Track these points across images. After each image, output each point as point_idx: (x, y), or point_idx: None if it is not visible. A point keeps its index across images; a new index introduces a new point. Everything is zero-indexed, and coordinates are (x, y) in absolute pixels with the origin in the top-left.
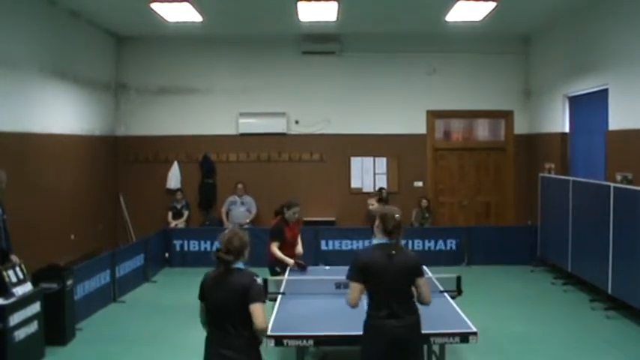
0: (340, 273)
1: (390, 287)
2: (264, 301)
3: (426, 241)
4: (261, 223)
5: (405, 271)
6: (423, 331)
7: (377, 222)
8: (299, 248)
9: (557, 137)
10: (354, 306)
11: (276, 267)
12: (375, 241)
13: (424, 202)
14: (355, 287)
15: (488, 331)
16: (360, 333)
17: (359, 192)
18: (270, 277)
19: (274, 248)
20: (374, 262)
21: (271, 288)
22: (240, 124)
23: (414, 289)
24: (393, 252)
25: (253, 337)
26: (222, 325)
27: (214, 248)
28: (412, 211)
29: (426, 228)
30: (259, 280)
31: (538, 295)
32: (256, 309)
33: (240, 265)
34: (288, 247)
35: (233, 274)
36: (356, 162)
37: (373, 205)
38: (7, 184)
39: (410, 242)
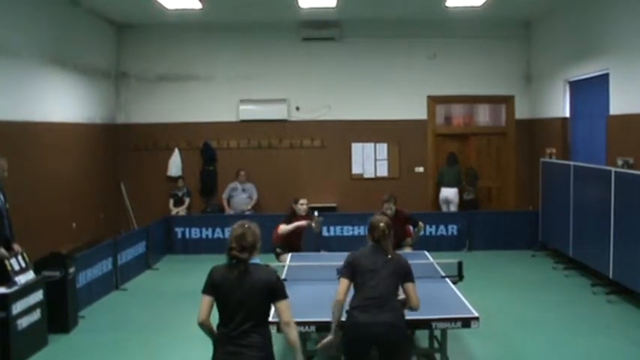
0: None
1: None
2: (288, 297)
3: (427, 227)
4: (263, 209)
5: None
6: (426, 316)
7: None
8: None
9: (558, 122)
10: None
11: (277, 248)
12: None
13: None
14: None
15: (489, 316)
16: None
17: (360, 178)
18: (272, 264)
19: (282, 225)
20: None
21: None
22: (241, 111)
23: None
24: (389, 257)
25: (269, 333)
26: (241, 322)
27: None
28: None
29: (426, 213)
30: (279, 276)
31: (539, 279)
32: (284, 305)
33: (256, 259)
34: (294, 237)
35: (251, 271)
36: (357, 148)
37: (391, 209)
38: (8, 172)
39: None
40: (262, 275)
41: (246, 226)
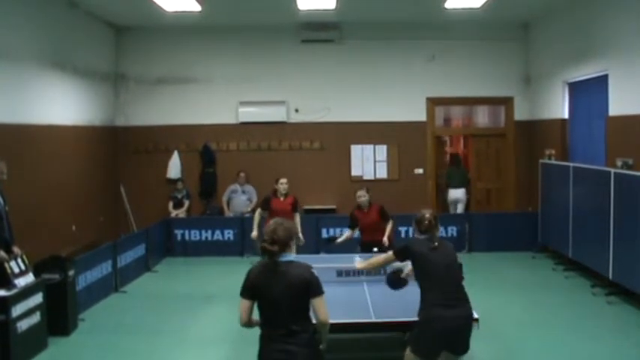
0: (340, 261)
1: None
2: (324, 293)
3: None
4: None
5: (446, 258)
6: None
7: (413, 225)
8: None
9: (557, 123)
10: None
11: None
12: (416, 236)
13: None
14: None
15: (489, 317)
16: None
17: (359, 180)
18: None
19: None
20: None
21: None
22: (240, 113)
23: None
24: (436, 244)
25: (309, 329)
26: (284, 320)
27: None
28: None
29: None
30: (316, 273)
31: (539, 281)
32: (320, 302)
33: (290, 257)
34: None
35: (288, 267)
36: (356, 150)
37: (365, 197)
38: (7, 175)
39: (411, 229)
40: (297, 271)
41: (280, 222)
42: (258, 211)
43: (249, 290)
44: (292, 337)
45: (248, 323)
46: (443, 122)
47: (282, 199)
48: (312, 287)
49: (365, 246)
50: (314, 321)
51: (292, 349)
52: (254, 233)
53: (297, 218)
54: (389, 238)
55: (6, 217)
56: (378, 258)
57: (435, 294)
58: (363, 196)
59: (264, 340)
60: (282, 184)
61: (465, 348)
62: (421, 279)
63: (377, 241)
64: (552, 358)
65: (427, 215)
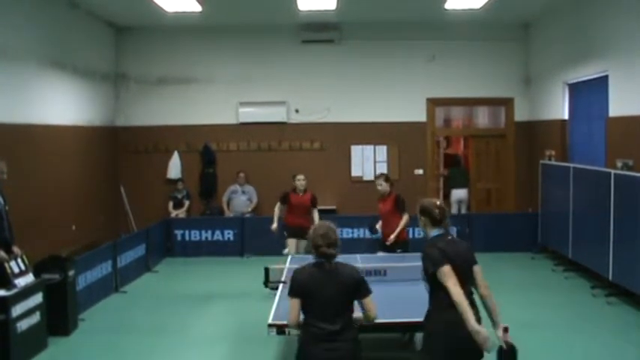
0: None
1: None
2: (372, 292)
3: None
4: (262, 212)
5: (470, 256)
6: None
7: (422, 217)
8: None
9: (557, 124)
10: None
11: (285, 231)
12: (433, 233)
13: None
14: (449, 271)
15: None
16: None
17: (359, 180)
18: (272, 267)
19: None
20: (453, 251)
21: (273, 276)
22: (240, 114)
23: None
24: (449, 237)
25: (354, 330)
26: (334, 319)
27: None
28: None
29: None
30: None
31: (539, 281)
32: (370, 301)
33: (337, 258)
34: (294, 214)
35: (338, 268)
36: (356, 150)
37: (382, 185)
38: (7, 175)
39: (411, 229)
40: (349, 272)
41: (328, 224)
42: (278, 205)
43: (299, 291)
44: (340, 335)
45: (297, 324)
46: (443, 123)
47: (300, 194)
48: (363, 287)
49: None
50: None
51: (340, 346)
52: (274, 225)
53: (316, 214)
54: (398, 235)
55: (6, 216)
56: (457, 304)
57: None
58: (378, 185)
59: (309, 339)
60: (300, 180)
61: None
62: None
63: (388, 233)
64: (552, 359)
65: (436, 201)
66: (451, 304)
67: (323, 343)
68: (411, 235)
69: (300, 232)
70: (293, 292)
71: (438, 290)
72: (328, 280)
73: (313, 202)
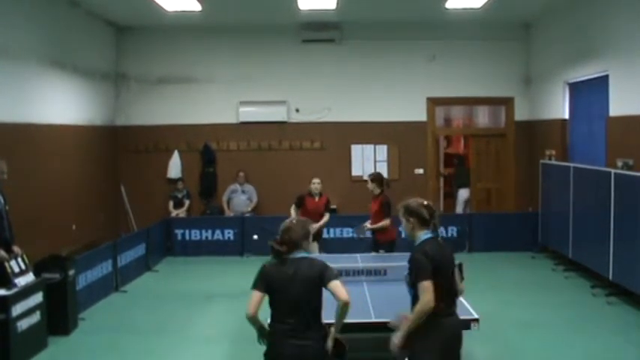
0: (340, 261)
1: (448, 283)
2: (339, 278)
3: None
4: (262, 211)
5: (452, 261)
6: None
7: (410, 219)
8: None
9: (557, 124)
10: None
11: None
12: (423, 236)
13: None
14: (428, 287)
15: (489, 317)
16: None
17: (360, 180)
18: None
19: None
20: (441, 257)
21: None
22: (241, 113)
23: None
24: (440, 240)
25: (322, 327)
26: (294, 315)
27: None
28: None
29: None
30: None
31: (539, 281)
32: (337, 284)
33: (303, 254)
34: (308, 217)
35: (301, 263)
36: (356, 150)
37: (369, 185)
38: (8, 175)
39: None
40: (310, 264)
41: (294, 222)
42: (293, 207)
43: (262, 285)
44: (305, 332)
45: (254, 316)
46: (443, 122)
47: (316, 198)
48: (326, 273)
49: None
50: (325, 321)
51: (307, 342)
52: None
53: (326, 218)
54: (385, 235)
55: (6, 216)
56: (415, 313)
57: (446, 299)
58: (367, 185)
59: (276, 335)
60: (315, 184)
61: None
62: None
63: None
64: (552, 359)
65: (423, 201)
66: (437, 308)
67: (290, 339)
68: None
69: (314, 236)
70: (256, 285)
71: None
72: (291, 277)
73: (327, 207)
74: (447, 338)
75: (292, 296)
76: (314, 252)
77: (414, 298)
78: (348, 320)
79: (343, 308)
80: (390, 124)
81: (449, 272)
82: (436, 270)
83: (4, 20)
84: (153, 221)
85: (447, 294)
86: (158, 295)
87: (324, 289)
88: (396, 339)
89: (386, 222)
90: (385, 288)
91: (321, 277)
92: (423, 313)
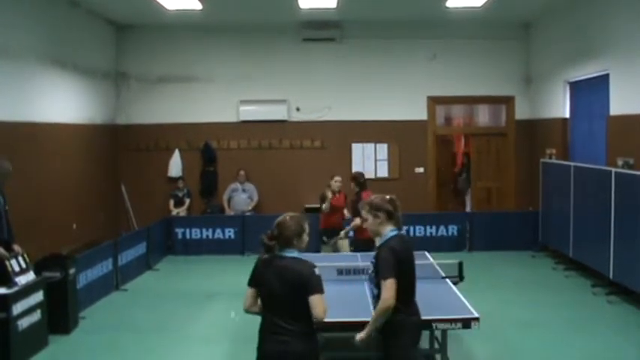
0: (341, 259)
1: (413, 279)
2: (323, 292)
3: (428, 227)
4: (263, 210)
5: (414, 259)
6: (426, 317)
7: (378, 215)
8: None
9: (558, 123)
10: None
11: (323, 236)
12: (389, 232)
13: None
14: (391, 286)
15: (489, 316)
16: (360, 319)
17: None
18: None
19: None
20: (406, 254)
21: None
22: (241, 112)
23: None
24: (405, 236)
25: (308, 325)
26: (277, 312)
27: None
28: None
29: (427, 214)
30: (317, 271)
31: (539, 280)
32: (316, 300)
33: (294, 253)
34: (331, 215)
35: (289, 263)
36: (357, 148)
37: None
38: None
39: (411, 228)
40: (297, 268)
41: (289, 217)
42: (324, 206)
43: (253, 280)
44: (289, 329)
45: (250, 309)
46: (444, 121)
47: (337, 195)
48: (310, 285)
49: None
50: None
51: (289, 340)
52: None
53: (346, 211)
54: (363, 235)
55: (5, 216)
56: (377, 310)
57: (411, 296)
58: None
59: (263, 330)
60: (337, 181)
61: None
62: (401, 279)
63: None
64: (552, 358)
65: (386, 196)
66: (407, 300)
67: (274, 335)
68: None
69: (336, 232)
70: (249, 281)
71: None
72: (276, 275)
73: (345, 203)
74: (413, 334)
75: (277, 293)
76: (344, 250)
77: (378, 297)
78: (349, 319)
79: (317, 323)
80: (390, 122)
81: (412, 269)
82: (401, 267)
83: (4, 19)
84: (153, 220)
85: (410, 291)
86: (159, 294)
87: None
88: (359, 336)
89: (356, 221)
90: None
91: (306, 285)
92: (386, 310)
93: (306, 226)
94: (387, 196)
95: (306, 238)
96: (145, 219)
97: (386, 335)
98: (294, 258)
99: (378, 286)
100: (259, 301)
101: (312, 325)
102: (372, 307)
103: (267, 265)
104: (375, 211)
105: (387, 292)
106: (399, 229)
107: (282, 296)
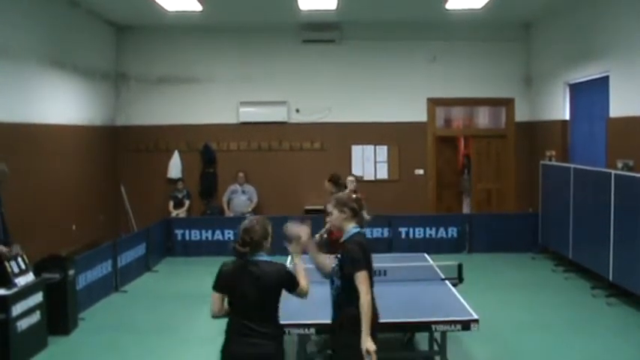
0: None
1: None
2: (299, 282)
3: (427, 229)
4: (263, 212)
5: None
6: (426, 319)
7: (344, 210)
8: None
9: (557, 125)
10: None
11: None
12: (353, 229)
13: None
14: (365, 278)
15: (489, 318)
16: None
17: (360, 180)
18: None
19: None
20: (369, 251)
21: None
22: (241, 113)
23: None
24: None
25: (277, 328)
26: (248, 315)
27: (232, 238)
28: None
29: (426, 216)
30: (289, 267)
31: (539, 282)
32: (299, 289)
33: (264, 256)
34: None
35: (260, 266)
36: (357, 150)
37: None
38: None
39: (411, 230)
40: (273, 270)
41: (255, 221)
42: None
43: (220, 285)
44: (261, 332)
45: (218, 315)
46: (443, 123)
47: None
48: (291, 281)
49: None
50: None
51: (260, 342)
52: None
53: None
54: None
55: (1, 218)
56: (362, 306)
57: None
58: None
59: (231, 332)
60: (352, 182)
61: None
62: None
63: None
64: (552, 359)
65: (351, 195)
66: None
67: (244, 338)
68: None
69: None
70: (215, 286)
71: (352, 289)
72: (247, 279)
73: None
74: (374, 329)
75: (248, 297)
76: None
77: (343, 290)
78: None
79: (300, 292)
80: (390, 124)
81: (372, 266)
82: (367, 264)
83: (3, 20)
84: (153, 221)
85: (371, 288)
86: (158, 295)
87: (281, 293)
88: (367, 344)
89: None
90: (385, 288)
91: (287, 283)
92: (369, 302)
93: (270, 229)
94: (354, 196)
95: (270, 240)
96: (145, 220)
97: (344, 328)
98: (266, 261)
99: (342, 278)
100: (226, 304)
101: (281, 327)
102: (330, 296)
103: (240, 271)
104: (341, 207)
105: (364, 285)
106: (362, 227)
107: (256, 299)
